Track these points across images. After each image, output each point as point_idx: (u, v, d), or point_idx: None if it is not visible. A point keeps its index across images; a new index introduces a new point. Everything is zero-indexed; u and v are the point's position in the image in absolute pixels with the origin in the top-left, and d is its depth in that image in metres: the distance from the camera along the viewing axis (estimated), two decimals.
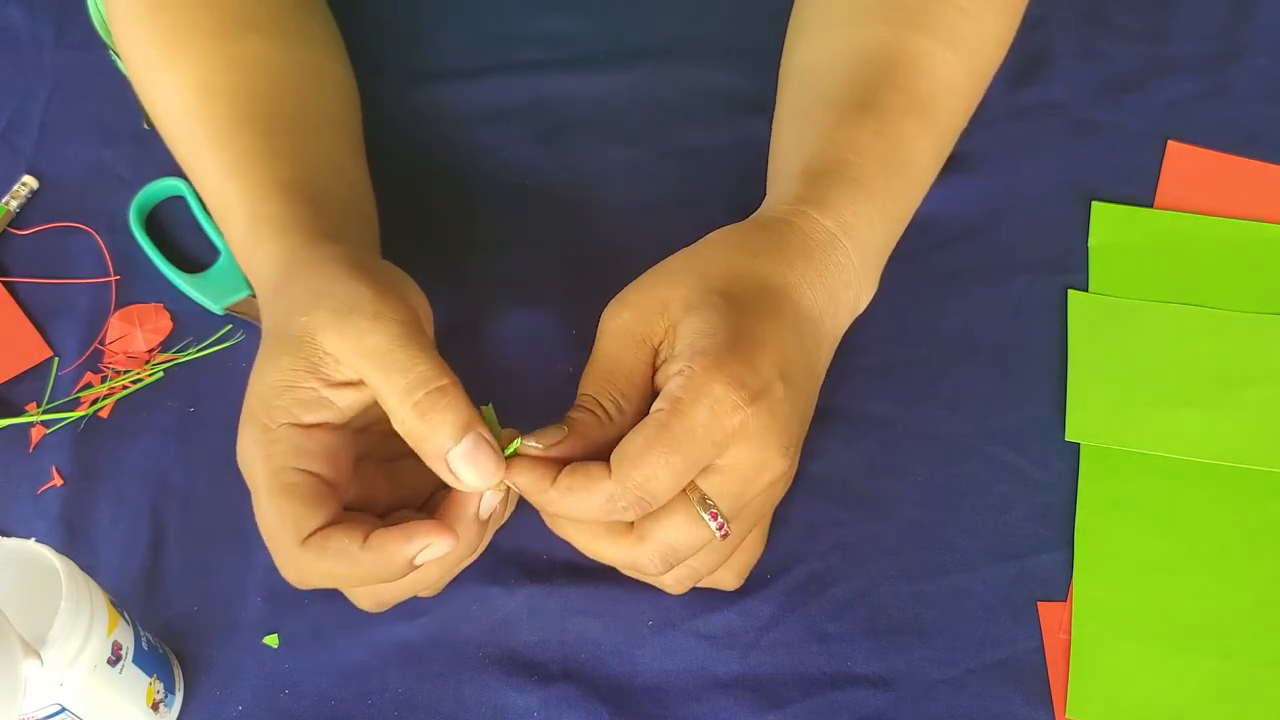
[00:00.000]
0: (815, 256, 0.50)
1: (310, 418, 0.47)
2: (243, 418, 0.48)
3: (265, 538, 0.47)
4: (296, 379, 0.46)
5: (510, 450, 0.46)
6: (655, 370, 0.48)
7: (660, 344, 0.47)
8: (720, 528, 0.46)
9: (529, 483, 0.45)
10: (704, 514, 0.46)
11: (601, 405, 0.47)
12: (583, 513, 0.45)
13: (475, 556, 0.50)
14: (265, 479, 0.46)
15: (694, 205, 0.70)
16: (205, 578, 0.60)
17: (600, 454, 0.46)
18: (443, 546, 0.45)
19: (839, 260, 0.51)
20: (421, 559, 0.45)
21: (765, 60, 0.66)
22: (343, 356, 0.46)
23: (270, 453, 0.46)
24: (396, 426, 0.46)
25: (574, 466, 0.45)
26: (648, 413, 0.46)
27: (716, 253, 0.50)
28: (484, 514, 0.47)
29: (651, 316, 0.47)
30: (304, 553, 0.45)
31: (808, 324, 0.49)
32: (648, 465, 0.43)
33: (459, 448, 0.45)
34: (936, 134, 0.57)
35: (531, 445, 0.46)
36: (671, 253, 0.51)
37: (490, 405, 0.47)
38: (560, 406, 0.63)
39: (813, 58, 0.60)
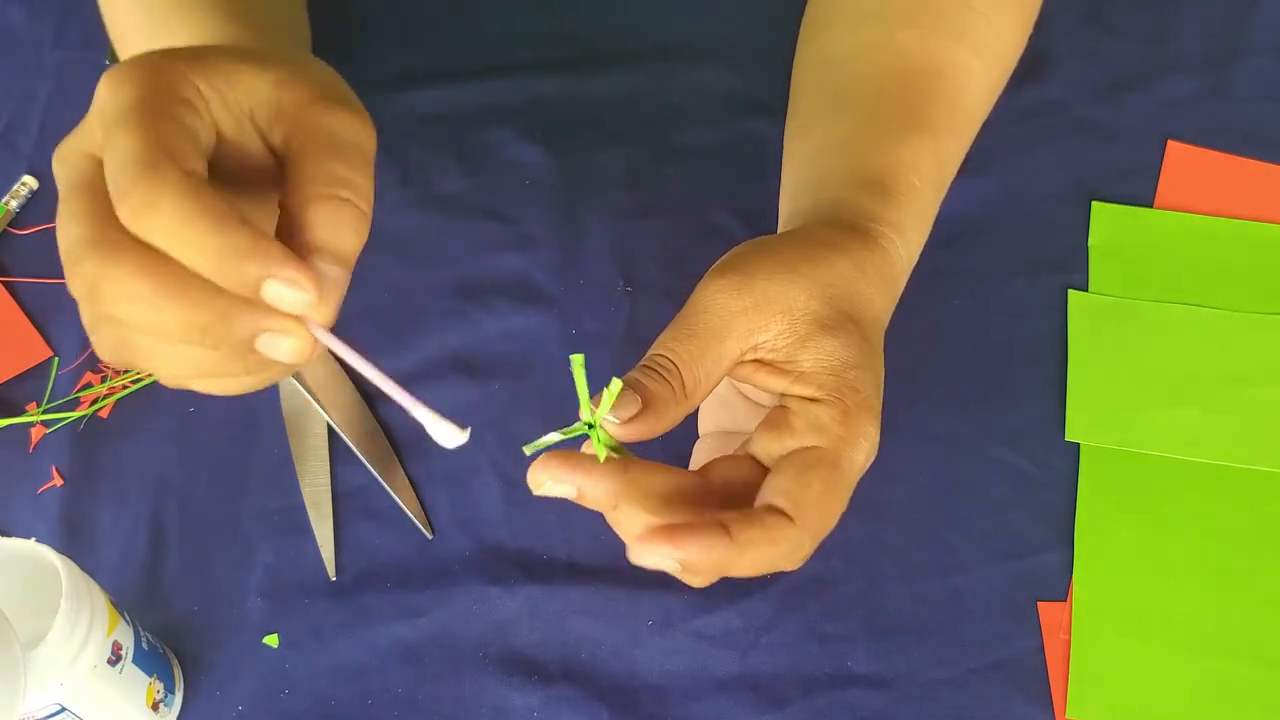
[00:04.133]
0: (896, 288, 0.50)
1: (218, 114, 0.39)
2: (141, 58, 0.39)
3: (117, 162, 0.35)
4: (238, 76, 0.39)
5: (598, 440, 0.41)
6: (740, 363, 0.45)
7: (762, 340, 0.44)
8: None
9: (702, 546, 0.39)
10: None
11: (683, 380, 0.43)
12: (759, 567, 0.41)
13: (238, 385, 0.40)
14: (153, 95, 0.37)
15: (694, 205, 0.70)
16: (205, 578, 0.60)
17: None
18: (302, 298, 0.36)
19: (901, 289, 0.51)
20: (273, 293, 0.35)
21: (765, 60, 0.66)
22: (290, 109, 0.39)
23: (168, 80, 0.37)
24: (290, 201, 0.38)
25: (745, 516, 0.41)
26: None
27: (839, 264, 0.47)
28: (281, 355, 0.37)
29: (772, 313, 0.44)
30: (181, 182, 0.35)
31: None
32: (828, 510, 0.42)
33: (327, 268, 0.37)
34: (965, 148, 0.57)
35: (609, 419, 0.41)
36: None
37: (582, 356, 0.41)
38: (560, 406, 0.63)
39: (839, 50, 0.58)
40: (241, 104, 0.39)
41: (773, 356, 0.44)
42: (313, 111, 0.40)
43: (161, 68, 0.38)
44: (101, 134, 0.37)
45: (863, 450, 0.43)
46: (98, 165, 0.37)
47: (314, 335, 0.37)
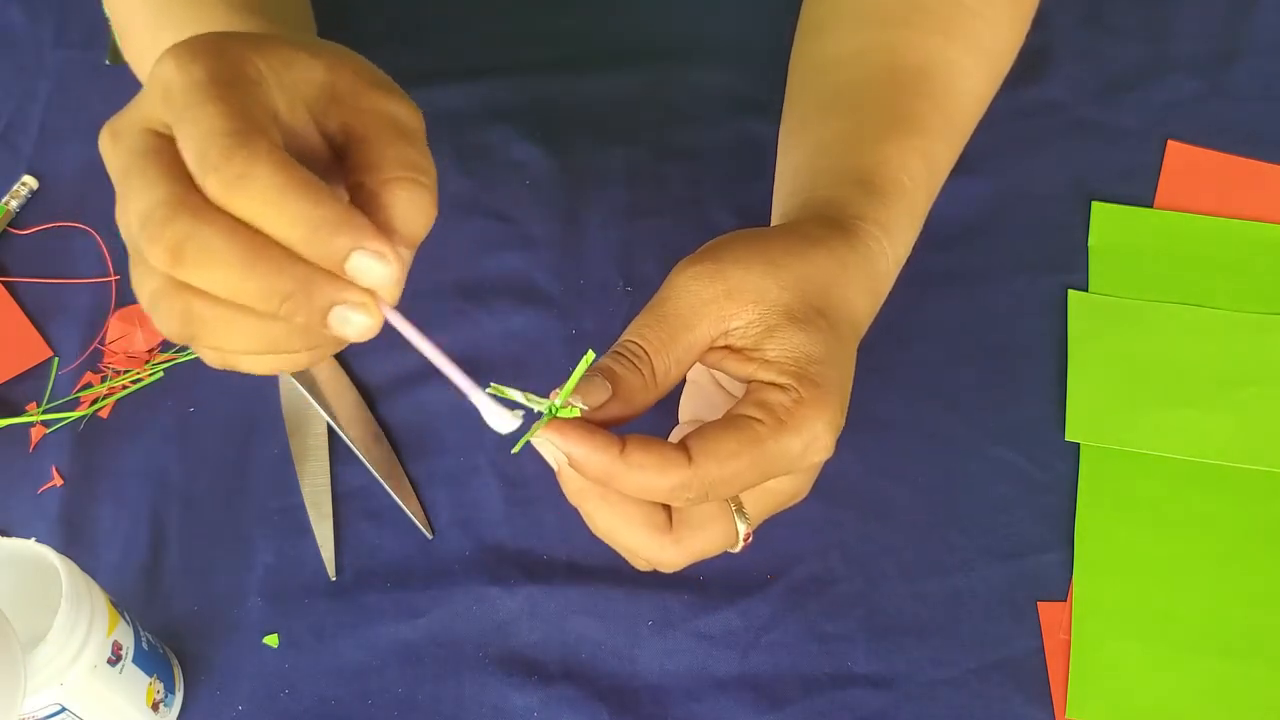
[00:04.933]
0: (879, 286, 0.50)
1: (290, 77, 0.39)
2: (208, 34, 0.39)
3: (202, 134, 0.35)
4: (304, 64, 0.39)
5: (567, 413, 0.42)
6: (710, 349, 0.45)
7: (733, 328, 0.44)
8: (747, 540, 0.46)
9: (592, 449, 0.41)
10: (740, 526, 0.45)
11: (653, 367, 0.43)
12: (641, 491, 0.42)
13: (291, 362, 0.40)
14: (226, 71, 0.37)
15: (694, 205, 0.70)
16: (205, 578, 0.60)
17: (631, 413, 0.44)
18: (386, 271, 0.36)
19: (887, 288, 0.51)
20: (357, 265, 0.36)
21: (765, 60, 0.66)
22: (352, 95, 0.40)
23: (235, 58, 0.37)
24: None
25: (647, 441, 0.41)
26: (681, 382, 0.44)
27: (819, 259, 0.46)
28: (351, 330, 0.37)
29: (744, 303, 0.44)
30: (274, 154, 0.35)
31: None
32: (730, 469, 0.41)
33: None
34: (957, 149, 0.57)
35: (577, 404, 0.42)
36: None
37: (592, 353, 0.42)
38: None
39: (833, 52, 0.59)
40: (297, 88, 0.39)
41: (742, 344, 0.44)
42: (371, 97, 0.40)
43: (227, 46, 0.38)
44: (170, 109, 0.37)
45: (802, 441, 0.42)
46: (163, 139, 0.37)
47: (383, 314, 0.38)
